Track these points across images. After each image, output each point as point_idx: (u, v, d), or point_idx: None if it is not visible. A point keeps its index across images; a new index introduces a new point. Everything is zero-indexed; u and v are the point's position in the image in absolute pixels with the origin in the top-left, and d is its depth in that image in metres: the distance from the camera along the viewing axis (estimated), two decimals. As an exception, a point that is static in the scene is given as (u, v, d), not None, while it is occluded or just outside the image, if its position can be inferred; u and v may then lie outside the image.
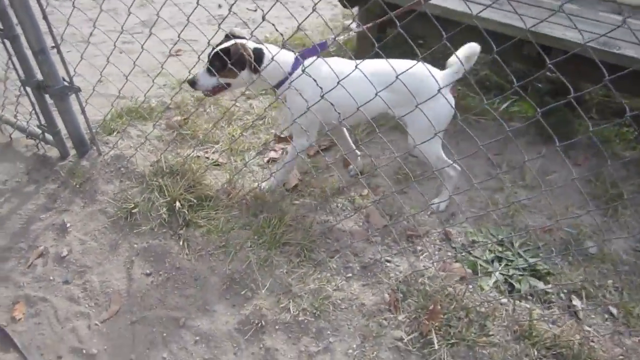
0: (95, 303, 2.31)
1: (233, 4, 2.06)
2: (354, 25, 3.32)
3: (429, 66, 2.35)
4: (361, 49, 3.74)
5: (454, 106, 2.16)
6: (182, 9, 2.46)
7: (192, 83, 2.50)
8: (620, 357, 1.95)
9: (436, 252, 2.46)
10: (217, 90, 2.51)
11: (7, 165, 3.12)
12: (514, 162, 2.99)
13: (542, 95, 3.29)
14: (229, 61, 2.32)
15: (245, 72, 2.40)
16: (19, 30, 2.56)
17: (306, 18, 2.09)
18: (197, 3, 2.19)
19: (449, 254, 2.45)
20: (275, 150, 3.11)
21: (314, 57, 2.21)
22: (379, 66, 2.25)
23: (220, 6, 4.50)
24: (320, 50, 2.39)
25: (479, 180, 2.81)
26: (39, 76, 2.72)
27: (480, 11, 1.68)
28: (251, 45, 2.40)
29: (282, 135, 3.20)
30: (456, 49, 2.20)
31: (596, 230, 2.58)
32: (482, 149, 1.77)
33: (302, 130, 2.45)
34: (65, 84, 2.70)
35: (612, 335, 2.07)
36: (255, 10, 4.85)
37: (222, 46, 2.40)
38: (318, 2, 1.86)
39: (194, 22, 2.23)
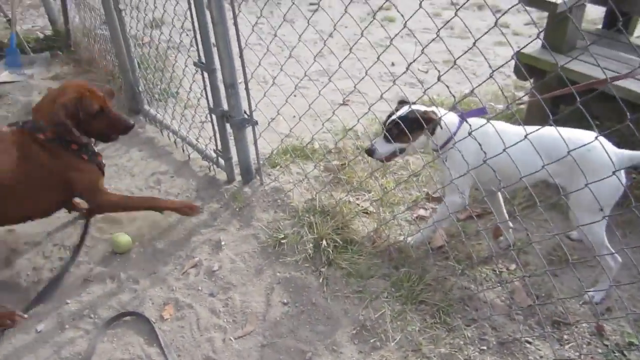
0: (233, 320, 2.46)
1: (411, 63, 2.16)
2: (525, 98, 3.26)
3: (604, 140, 2.19)
4: (529, 122, 3.63)
5: (624, 184, 2.01)
6: (360, 62, 2.62)
7: (371, 152, 2.55)
8: None
9: (584, 346, 2.25)
10: (391, 156, 2.57)
11: (181, 181, 3.49)
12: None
13: None
14: (408, 128, 2.39)
15: (422, 136, 2.46)
16: (217, 65, 2.91)
17: (482, 83, 2.12)
18: (377, 58, 2.32)
19: (599, 350, 2.23)
20: (425, 209, 3.11)
21: (482, 120, 2.22)
22: (546, 133, 2.11)
23: (393, 64, 4.68)
24: (480, 115, 2.39)
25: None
26: (225, 107, 3.04)
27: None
28: (421, 108, 2.45)
29: (434, 195, 3.20)
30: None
31: None
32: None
33: (457, 189, 2.43)
34: (246, 116, 2.98)
35: None
36: (427, 72, 4.97)
37: (400, 113, 2.45)
38: (498, 68, 1.88)
39: (367, 76, 2.38)
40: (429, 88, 2.25)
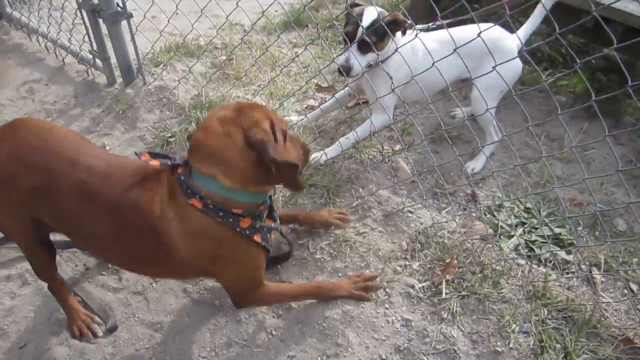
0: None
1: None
2: None
3: (502, 28, 2.41)
4: (413, 11, 3.67)
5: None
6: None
7: (347, 70, 2.30)
8: (631, 326, 1.93)
9: (460, 212, 2.46)
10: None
11: (57, 88, 3.26)
12: (553, 135, 2.93)
13: (594, 71, 3.17)
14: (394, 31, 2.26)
15: (389, 44, 2.33)
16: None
17: None
18: None
19: (473, 214, 2.44)
20: (314, 99, 3.13)
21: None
22: (457, 34, 2.16)
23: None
24: None
25: (516, 148, 2.77)
26: (96, 0, 2.81)
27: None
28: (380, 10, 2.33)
29: (323, 85, 3.22)
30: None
31: (628, 209, 2.52)
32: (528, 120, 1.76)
33: (384, 108, 2.45)
34: (119, 9, 2.78)
35: (628, 309, 2.04)
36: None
37: (374, 17, 2.24)
38: None
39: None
40: None
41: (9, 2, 3.85)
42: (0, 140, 1.70)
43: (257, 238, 1.66)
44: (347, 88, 2.67)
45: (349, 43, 2.31)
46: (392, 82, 2.25)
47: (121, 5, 2.79)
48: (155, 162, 1.65)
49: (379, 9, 2.31)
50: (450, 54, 1.96)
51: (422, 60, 2.26)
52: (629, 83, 1.55)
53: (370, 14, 2.25)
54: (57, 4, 3.41)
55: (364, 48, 2.28)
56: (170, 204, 1.60)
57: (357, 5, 2.34)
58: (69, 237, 1.87)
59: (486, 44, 1.92)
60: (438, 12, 1.90)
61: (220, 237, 1.63)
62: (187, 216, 1.59)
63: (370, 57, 2.33)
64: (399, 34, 2.36)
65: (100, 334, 2.03)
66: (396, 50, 2.29)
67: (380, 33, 2.22)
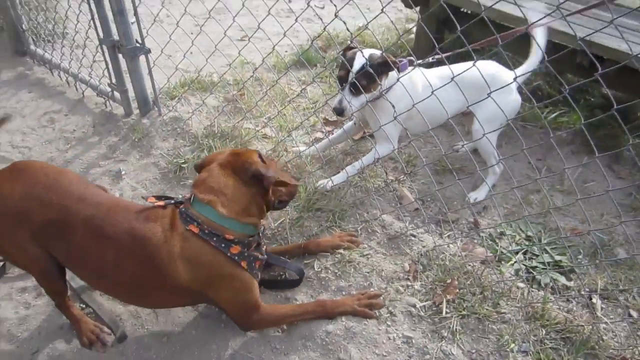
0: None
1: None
2: (414, 29, 3.44)
3: (497, 64, 2.62)
4: (419, 48, 3.84)
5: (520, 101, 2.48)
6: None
7: (341, 111, 2.43)
8: (629, 348, 1.95)
9: (463, 239, 2.51)
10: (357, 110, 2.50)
11: (77, 118, 3.41)
12: (554, 169, 3.01)
13: (593, 108, 3.28)
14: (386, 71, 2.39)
15: (383, 82, 2.46)
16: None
17: (375, 17, 2.26)
18: None
19: (475, 240, 2.50)
20: (322, 132, 3.24)
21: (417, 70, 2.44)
22: (457, 69, 2.25)
23: (290, 0, 4.72)
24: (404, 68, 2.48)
25: (517, 180, 2.85)
26: (116, 37, 2.99)
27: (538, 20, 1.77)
28: (374, 52, 2.45)
29: (330, 119, 3.34)
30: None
31: (629, 240, 2.57)
32: (525, 153, 1.86)
33: (388, 138, 2.56)
34: (137, 45, 2.95)
35: (628, 335, 2.06)
36: (323, 8, 5.05)
37: (363, 61, 2.35)
38: (387, 4, 2.05)
39: (260, 13, 2.41)
40: (329, 23, 2.33)
41: (33, 40, 4.06)
42: (10, 179, 1.88)
43: (243, 264, 1.86)
44: (353, 119, 2.79)
45: (341, 86, 2.46)
46: (395, 111, 2.35)
47: (140, 41, 2.95)
48: (160, 203, 1.91)
49: (371, 52, 2.42)
50: (448, 83, 2.09)
51: (421, 94, 2.38)
52: (614, 107, 1.63)
53: (360, 59, 2.38)
54: (79, 42, 3.60)
55: (355, 90, 2.40)
56: (170, 230, 1.80)
57: (351, 48, 2.47)
58: (74, 272, 1.99)
59: (484, 77, 2.04)
60: (436, 46, 2.02)
61: (213, 261, 1.82)
62: (185, 241, 1.79)
63: (363, 98, 2.44)
64: (393, 73, 2.47)
65: (109, 343, 2.08)
66: (397, 81, 2.43)
67: (370, 76, 2.34)
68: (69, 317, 2.11)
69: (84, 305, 2.23)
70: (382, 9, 2.04)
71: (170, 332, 2.11)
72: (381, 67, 2.37)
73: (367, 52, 2.42)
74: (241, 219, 1.86)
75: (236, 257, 1.84)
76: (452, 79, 2.06)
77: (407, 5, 3.80)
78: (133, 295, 1.97)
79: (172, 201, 1.92)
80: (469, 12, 3.67)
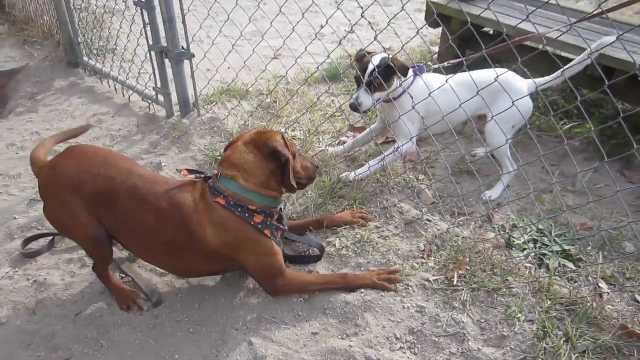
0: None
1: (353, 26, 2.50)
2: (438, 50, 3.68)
3: (513, 73, 2.87)
4: (441, 55, 4.06)
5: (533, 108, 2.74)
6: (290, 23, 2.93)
7: (356, 107, 2.73)
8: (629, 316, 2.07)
9: (477, 229, 2.67)
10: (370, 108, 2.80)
11: (122, 120, 3.72)
12: (567, 173, 3.16)
13: (606, 119, 3.44)
14: (395, 73, 2.67)
15: (396, 82, 2.75)
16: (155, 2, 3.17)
17: (410, 40, 2.56)
18: (302, 15, 2.77)
19: (489, 233, 2.66)
20: (347, 136, 3.46)
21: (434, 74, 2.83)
22: (476, 76, 2.58)
23: (322, 26, 5.02)
24: (422, 72, 2.84)
25: (531, 182, 3.01)
26: (164, 43, 3.30)
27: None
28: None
29: (356, 126, 3.57)
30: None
31: (637, 235, 2.68)
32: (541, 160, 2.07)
33: (410, 135, 2.80)
34: (183, 50, 3.25)
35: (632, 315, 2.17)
36: (353, 32, 5.35)
37: (377, 63, 2.65)
38: (422, 28, 2.39)
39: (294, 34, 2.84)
40: (370, 44, 2.63)
41: (86, 52, 4.44)
42: (66, 159, 2.18)
43: (267, 232, 2.11)
44: (378, 119, 3.03)
45: (358, 86, 2.78)
46: (413, 102, 2.63)
47: (185, 47, 3.26)
48: (192, 177, 2.20)
49: (382, 56, 2.71)
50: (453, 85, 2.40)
51: (437, 95, 2.61)
52: (621, 115, 1.83)
53: (375, 62, 2.68)
54: (129, 53, 3.95)
55: (371, 88, 2.70)
56: (201, 201, 2.08)
57: (368, 54, 2.77)
58: (119, 239, 2.24)
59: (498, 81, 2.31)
60: (460, 55, 2.29)
61: (238, 228, 2.07)
62: (213, 210, 2.05)
63: (378, 95, 2.74)
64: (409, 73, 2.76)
65: (145, 308, 2.29)
66: (413, 81, 2.78)
67: (384, 76, 2.65)
68: (109, 285, 2.33)
69: (123, 275, 2.45)
70: (417, 32, 2.34)
71: (201, 299, 2.31)
72: (391, 70, 2.66)
73: (379, 57, 2.71)
74: (262, 191, 2.10)
75: (260, 226, 2.08)
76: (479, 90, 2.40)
77: (431, 25, 4.06)
78: (169, 258, 2.21)
79: (202, 175, 2.19)
80: (492, 32, 3.93)
